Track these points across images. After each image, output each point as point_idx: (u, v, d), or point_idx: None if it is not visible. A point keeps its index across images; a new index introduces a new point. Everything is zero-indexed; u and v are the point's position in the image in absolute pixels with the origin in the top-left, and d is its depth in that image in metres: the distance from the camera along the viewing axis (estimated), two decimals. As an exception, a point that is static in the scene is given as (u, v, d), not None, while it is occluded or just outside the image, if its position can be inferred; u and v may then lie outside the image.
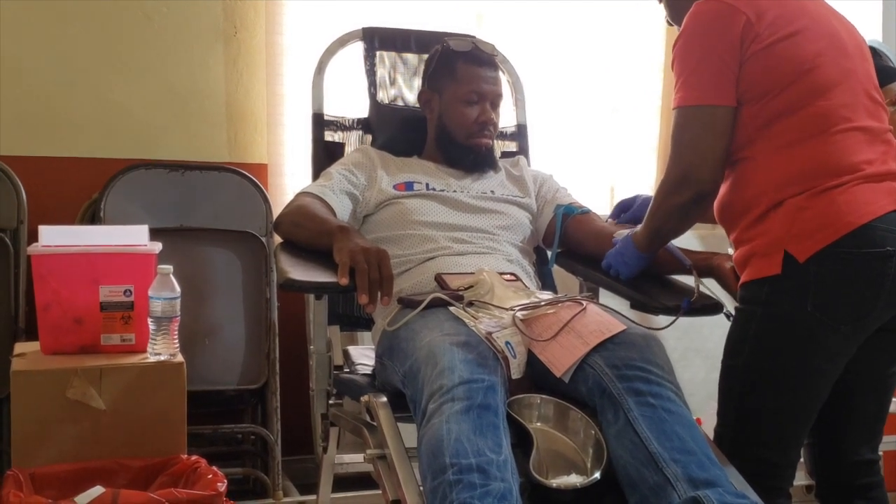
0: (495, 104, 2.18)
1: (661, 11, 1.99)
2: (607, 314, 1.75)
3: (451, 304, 1.78)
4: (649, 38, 3.24)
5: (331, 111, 2.34)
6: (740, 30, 1.67)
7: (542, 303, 1.78)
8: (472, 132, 2.16)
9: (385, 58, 2.39)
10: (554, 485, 1.52)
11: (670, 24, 1.97)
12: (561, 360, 1.67)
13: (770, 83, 1.68)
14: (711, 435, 1.76)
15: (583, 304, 1.76)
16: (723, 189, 1.78)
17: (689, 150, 1.71)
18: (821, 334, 1.66)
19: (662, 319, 1.89)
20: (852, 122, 1.69)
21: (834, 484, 1.85)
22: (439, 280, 1.90)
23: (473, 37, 2.36)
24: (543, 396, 1.68)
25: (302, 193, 2.08)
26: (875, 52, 2.01)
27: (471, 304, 1.79)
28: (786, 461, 1.75)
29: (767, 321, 1.69)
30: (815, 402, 1.72)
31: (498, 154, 2.42)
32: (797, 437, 1.76)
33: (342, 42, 2.38)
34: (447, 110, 2.18)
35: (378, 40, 2.38)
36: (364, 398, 1.75)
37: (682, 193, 1.72)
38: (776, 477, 1.74)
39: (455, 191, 2.14)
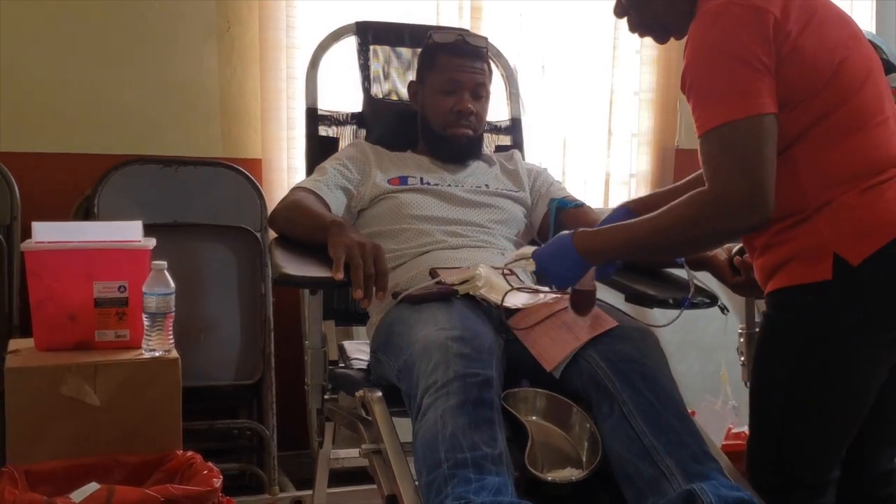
0: (477, 94, 2.16)
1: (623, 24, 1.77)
2: (599, 309, 1.74)
3: (452, 290, 1.78)
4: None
5: (325, 106, 2.34)
6: (771, 31, 1.50)
7: (540, 297, 1.79)
8: (448, 122, 2.15)
9: (379, 52, 2.39)
10: (549, 479, 1.52)
11: (632, 32, 1.76)
12: (551, 354, 1.67)
13: (806, 88, 1.53)
14: (707, 429, 1.75)
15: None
16: None
17: (761, 163, 1.46)
18: (870, 344, 1.53)
19: (658, 313, 1.88)
20: (884, 113, 1.59)
21: (853, 497, 1.72)
22: (433, 274, 1.90)
23: (464, 30, 2.36)
24: (538, 390, 1.68)
25: (296, 188, 2.08)
26: (873, 45, 1.96)
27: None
28: (829, 479, 1.63)
29: (812, 333, 1.54)
30: (861, 416, 1.59)
31: (492, 148, 2.42)
32: (842, 453, 1.62)
33: (336, 36, 2.37)
34: (426, 100, 2.18)
35: (372, 35, 2.38)
36: (359, 393, 1.75)
37: (747, 218, 1.48)
38: (822, 496, 1.63)
39: (449, 185, 2.14)
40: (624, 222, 1.65)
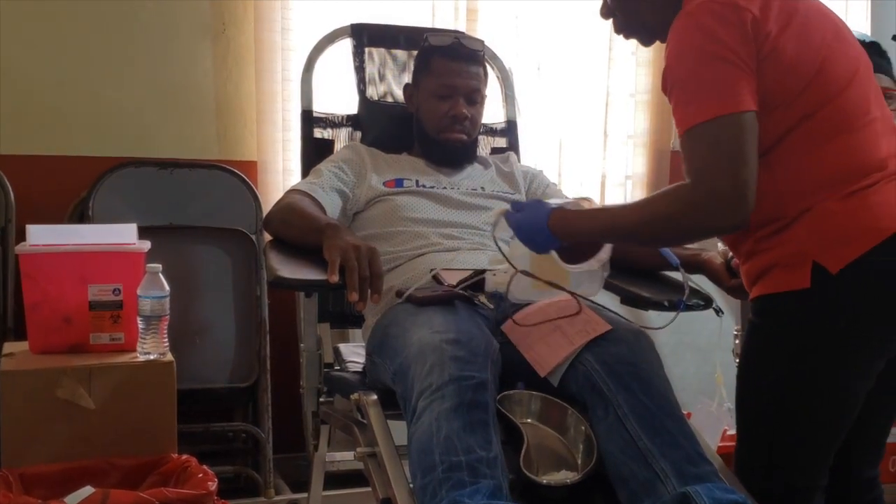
0: (471, 98, 2.15)
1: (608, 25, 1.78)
2: (593, 312, 1.74)
3: (456, 294, 1.78)
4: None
5: (320, 108, 2.34)
6: (750, 28, 1.49)
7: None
8: (442, 126, 2.15)
9: (374, 54, 2.39)
10: (544, 481, 1.52)
11: (618, 33, 1.79)
12: (546, 359, 1.67)
13: (786, 90, 1.52)
14: (703, 431, 1.75)
15: (577, 304, 1.74)
16: None
17: (743, 161, 1.44)
18: (854, 353, 1.53)
19: (654, 315, 1.88)
20: (870, 115, 1.56)
21: (840, 502, 1.72)
22: (437, 278, 1.89)
23: (460, 33, 2.35)
24: (534, 393, 1.68)
25: (291, 191, 2.08)
26: (866, 44, 1.95)
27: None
28: (819, 483, 1.63)
29: (795, 342, 1.54)
30: (850, 421, 1.59)
31: (487, 150, 2.43)
32: (830, 457, 1.62)
33: (331, 38, 2.37)
34: (421, 104, 2.18)
35: (367, 37, 2.38)
36: (354, 396, 1.75)
37: (728, 216, 1.46)
38: (812, 500, 1.63)
39: (445, 187, 2.14)
40: (604, 207, 1.66)
